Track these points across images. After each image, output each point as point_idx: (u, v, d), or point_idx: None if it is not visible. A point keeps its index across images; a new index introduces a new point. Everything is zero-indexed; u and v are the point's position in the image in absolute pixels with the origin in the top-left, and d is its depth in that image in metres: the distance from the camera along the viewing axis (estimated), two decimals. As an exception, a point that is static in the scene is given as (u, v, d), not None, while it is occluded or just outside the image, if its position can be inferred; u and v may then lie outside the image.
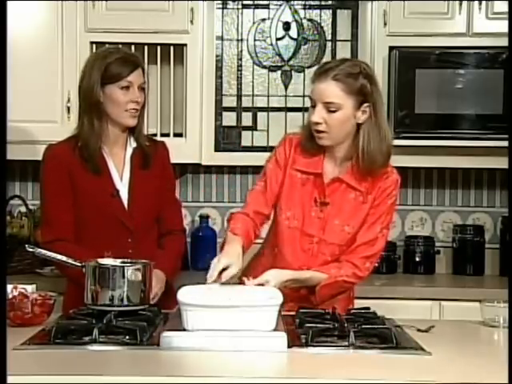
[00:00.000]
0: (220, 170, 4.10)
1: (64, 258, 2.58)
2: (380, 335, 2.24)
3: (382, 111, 2.58)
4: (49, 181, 2.81)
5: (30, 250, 2.55)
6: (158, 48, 3.72)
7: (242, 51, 4.10)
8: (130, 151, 2.87)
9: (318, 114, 2.51)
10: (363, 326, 2.29)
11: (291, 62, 4.10)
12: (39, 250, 2.56)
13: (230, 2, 4.09)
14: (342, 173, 2.62)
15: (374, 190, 2.61)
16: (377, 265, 3.83)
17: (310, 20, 4.09)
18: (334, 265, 2.61)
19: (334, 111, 2.50)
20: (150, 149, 2.88)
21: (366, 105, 2.53)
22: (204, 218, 4.03)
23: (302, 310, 2.53)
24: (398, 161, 3.74)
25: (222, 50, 4.08)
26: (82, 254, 2.64)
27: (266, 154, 3.70)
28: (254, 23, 4.10)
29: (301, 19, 4.09)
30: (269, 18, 4.10)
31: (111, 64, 2.76)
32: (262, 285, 2.43)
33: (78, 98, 2.85)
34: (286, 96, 4.10)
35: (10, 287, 2.45)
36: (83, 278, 2.45)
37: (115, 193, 2.82)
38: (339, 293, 2.66)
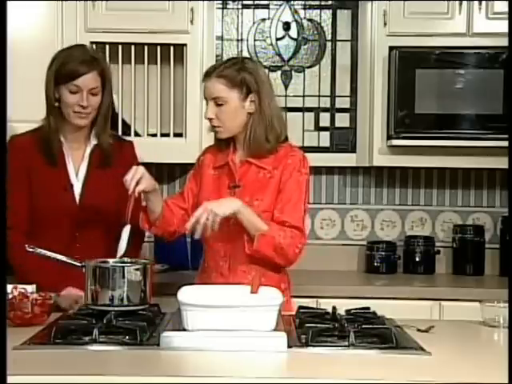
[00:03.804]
0: (220, 169, 4.10)
1: (64, 258, 2.59)
2: (380, 335, 2.24)
3: (267, 101, 2.74)
4: (9, 170, 2.83)
5: (30, 250, 2.55)
6: (158, 48, 3.72)
7: (241, 51, 4.10)
8: (89, 148, 2.94)
9: (209, 111, 2.74)
10: (363, 326, 2.29)
11: (291, 62, 4.10)
12: (39, 249, 2.56)
13: (230, 2, 4.09)
14: (249, 156, 2.79)
15: (281, 165, 2.75)
16: (377, 264, 3.92)
17: (310, 20, 4.09)
18: (277, 225, 2.68)
19: (221, 105, 2.71)
20: (112, 147, 2.94)
21: (251, 95, 2.72)
22: (204, 218, 4.03)
23: (302, 310, 2.53)
24: (398, 161, 3.81)
25: (222, 49, 4.08)
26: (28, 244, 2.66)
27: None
28: (254, 23, 4.10)
29: (301, 19, 4.09)
30: (269, 18, 4.10)
31: (64, 65, 2.84)
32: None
33: None
34: (286, 96, 4.10)
35: (9, 287, 2.45)
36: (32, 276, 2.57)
37: (68, 186, 2.89)
38: (271, 261, 2.69)
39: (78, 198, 2.90)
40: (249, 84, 2.71)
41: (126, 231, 2.55)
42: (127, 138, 3.25)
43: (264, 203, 2.72)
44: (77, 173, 2.92)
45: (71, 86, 2.83)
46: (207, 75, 2.75)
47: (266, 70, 4.09)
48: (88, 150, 2.94)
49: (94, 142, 2.94)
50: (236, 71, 2.72)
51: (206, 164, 2.85)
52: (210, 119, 2.74)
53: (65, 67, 2.84)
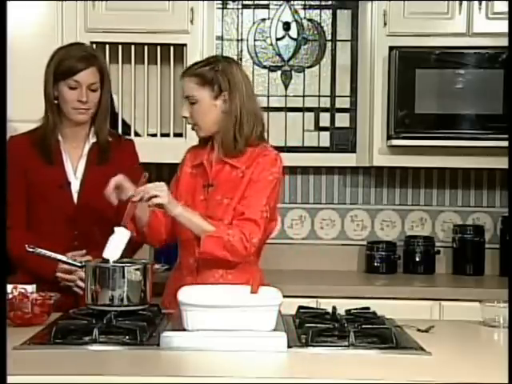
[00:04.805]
0: (220, 169, 4.10)
1: (64, 258, 2.60)
2: (380, 335, 2.24)
3: (238, 101, 2.72)
4: (8, 170, 2.82)
5: (30, 250, 2.55)
6: (158, 48, 3.72)
7: (241, 51, 4.10)
8: (88, 146, 2.93)
9: (184, 109, 2.77)
10: (363, 326, 2.29)
11: (291, 62, 4.10)
12: (39, 250, 2.56)
13: (230, 2, 4.09)
14: (224, 155, 2.78)
15: (253, 165, 2.73)
16: (377, 264, 3.93)
17: (310, 20, 4.09)
18: (223, 223, 2.67)
19: (194, 103, 2.73)
20: (110, 145, 2.94)
21: (223, 94, 2.72)
22: (204, 218, 4.03)
23: (302, 310, 2.53)
24: (398, 161, 3.81)
25: (222, 50, 4.08)
26: (28, 240, 2.68)
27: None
28: (254, 23, 4.10)
29: (301, 19, 4.09)
30: (269, 18, 4.10)
31: (63, 61, 2.83)
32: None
33: None
34: (286, 96, 4.10)
35: (9, 287, 2.45)
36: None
37: (65, 185, 2.88)
38: (225, 260, 2.65)
39: (75, 195, 2.89)
40: (220, 83, 2.71)
41: (122, 237, 2.52)
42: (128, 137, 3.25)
43: (233, 201, 2.71)
44: (75, 171, 2.91)
45: (70, 81, 2.82)
46: (183, 74, 2.78)
47: (266, 70, 4.10)
48: (86, 148, 2.93)
49: (92, 139, 2.93)
50: (208, 70, 2.72)
51: (185, 163, 2.85)
52: (185, 117, 2.78)
53: (63, 64, 2.83)
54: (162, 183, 2.60)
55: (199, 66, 2.76)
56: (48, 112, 2.88)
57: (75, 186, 2.90)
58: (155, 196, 2.55)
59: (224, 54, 4.06)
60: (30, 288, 2.50)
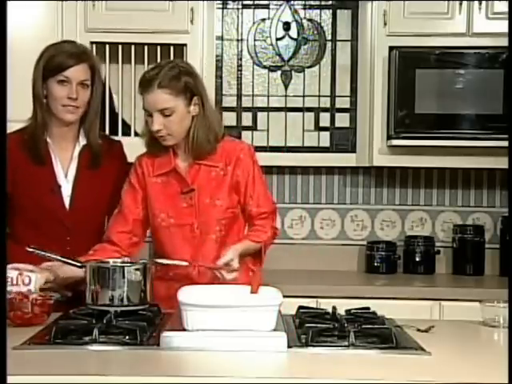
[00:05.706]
0: (220, 169, 4.10)
1: (64, 259, 2.59)
2: (380, 335, 2.24)
3: (208, 103, 2.74)
4: None
5: (30, 250, 2.55)
6: (158, 48, 3.72)
7: (241, 51, 4.10)
8: (78, 148, 2.84)
9: (156, 123, 2.66)
10: (363, 326, 2.29)
11: (291, 62, 4.10)
12: (37, 251, 2.55)
13: (230, 2, 4.09)
14: (192, 158, 2.77)
15: (233, 161, 2.75)
16: (377, 264, 3.93)
17: (310, 20, 4.09)
18: (257, 230, 2.78)
19: (169, 115, 2.66)
20: (101, 148, 2.85)
21: (195, 98, 2.70)
22: (204, 218, 4.03)
23: (302, 310, 2.53)
24: (398, 161, 3.81)
25: (222, 49, 4.08)
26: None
27: (266, 154, 3.73)
28: (254, 23, 4.10)
29: (301, 19, 4.09)
30: (269, 18, 4.10)
31: (53, 57, 2.76)
32: (228, 264, 2.61)
33: None
34: (286, 96, 4.10)
35: (15, 273, 2.46)
36: None
37: (56, 188, 2.80)
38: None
39: (67, 200, 2.81)
40: (192, 88, 2.68)
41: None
42: (116, 138, 3.18)
43: (225, 201, 2.74)
44: (66, 174, 2.83)
45: (60, 77, 2.73)
46: (147, 86, 2.66)
47: (266, 70, 4.10)
48: (77, 150, 2.83)
49: (83, 141, 2.84)
50: (176, 78, 2.65)
51: (145, 174, 2.77)
52: (158, 131, 2.67)
53: (53, 60, 2.75)
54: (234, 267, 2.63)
55: (163, 75, 2.65)
56: (37, 110, 2.79)
57: (66, 191, 2.82)
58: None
59: (224, 55, 4.07)
60: (34, 276, 2.49)
